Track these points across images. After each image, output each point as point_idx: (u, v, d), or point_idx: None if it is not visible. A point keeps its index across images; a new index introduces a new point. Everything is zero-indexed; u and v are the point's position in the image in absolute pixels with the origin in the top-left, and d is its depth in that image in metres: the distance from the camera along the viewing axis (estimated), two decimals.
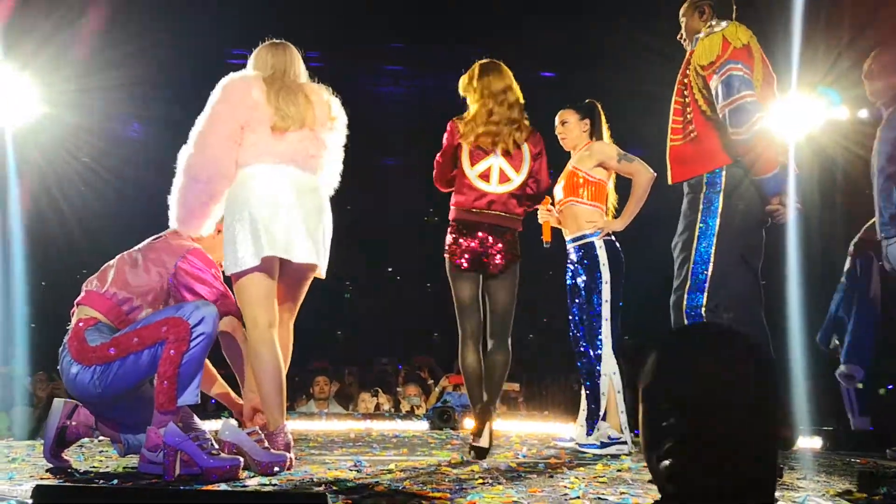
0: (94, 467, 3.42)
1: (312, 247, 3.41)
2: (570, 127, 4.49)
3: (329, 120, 3.60)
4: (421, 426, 5.94)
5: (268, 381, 3.36)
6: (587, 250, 4.31)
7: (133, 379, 3.16)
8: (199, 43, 7.51)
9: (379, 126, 7.52)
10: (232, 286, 3.44)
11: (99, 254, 3.54)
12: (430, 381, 8.27)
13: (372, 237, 9.09)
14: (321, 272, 3.57)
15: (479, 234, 4.03)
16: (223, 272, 3.45)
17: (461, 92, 4.19)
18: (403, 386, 7.99)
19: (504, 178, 4.07)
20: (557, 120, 4.54)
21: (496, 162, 4.06)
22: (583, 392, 4.35)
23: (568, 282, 4.42)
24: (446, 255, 4.09)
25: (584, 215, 4.34)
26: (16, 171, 8.07)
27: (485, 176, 4.04)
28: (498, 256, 4.05)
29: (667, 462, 1.45)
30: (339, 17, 7.53)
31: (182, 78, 7.59)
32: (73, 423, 3.38)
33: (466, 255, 4.02)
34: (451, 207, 4.11)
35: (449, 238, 4.09)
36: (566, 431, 5.13)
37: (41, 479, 3.08)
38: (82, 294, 3.33)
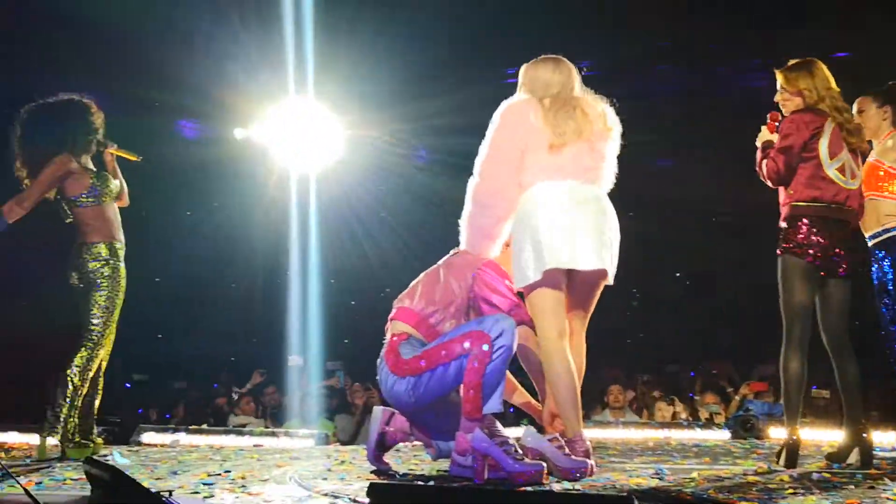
0: (410, 469, 3.71)
1: (598, 253, 3.49)
2: (868, 116, 4.12)
3: (606, 131, 3.65)
4: (722, 435, 5.74)
5: (562, 389, 3.46)
6: (891, 245, 3.95)
7: (442, 388, 3.39)
8: (480, 64, 7.84)
9: (657, 127, 7.39)
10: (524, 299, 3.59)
11: (396, 274, 3.82)
12: (730, 389, 7.95)
13: (657, 241, 8.91)
14: (609, 278, 3.61)
15: (835, 231, 3.85)
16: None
17: (799, 86, 3.95)
18: (700, 394, 7.75)
19: (853, 175, 3.91)
20: (855, 108, 4.18)
21: (847, 157, 3.90)
22: None
23: (874, 280, 4.07)
24: (788, 253, 3.87)
25: (886, 209, 3.98)
26: (317, 204, 8.99)
27: (841, 170, 3.88)
28: (849, 255, 3.88)
29: None
30: (606, 23, 7.52)
31: (463, 102, 7.99)
32: (391, 430, 3.68)
33: (819, 253, 3.83)
34: (799, 203, 3.88)
35: (797, 234, 3.86)
36: (888, 439, 4.71)
37: (367, 479, 3.40)
38: (394, 310, 3.64)
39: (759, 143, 4.05)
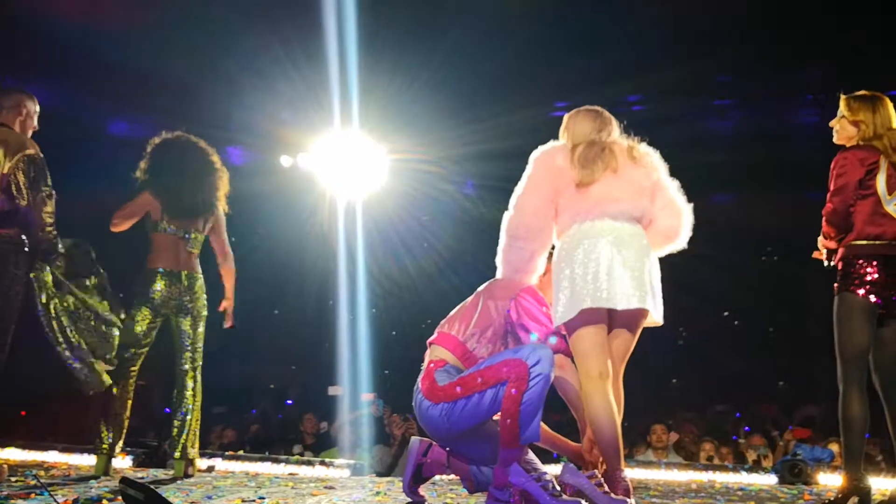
0: (446, 503, 3.64)
1: (637, 292, 3.41)
2: None
3: (632, 160, 3.59)
4: (768, 480, 5.56)
5: (603, 430, 3.37)
6: None
7: (476, 416, 3.33)
8: (524, 93, 7.83)
9: (708, 162, 7.28)
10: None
11: (441, 305, 3.79)
12: (775, 433, 7.74)
13: (705, 279, 8.76)
14: (657, 318, 3.54)
15: (894, 269, 3.73)
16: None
17: (858, 117, 3.84)
18: (747, 437, 7.56)
19: None
20: None
21: None
22: None
23: None
24: (849, 291, 3.75)
25: None
26: (363, 233, 9.01)
27: None
28: None
29: None
30: (661, 55, 7.45)
31: (509, 130, 7.99)
32: (428, 461, 3.62)
33: (883, 292, 3.71)
34: (859, 241, 3.77)
35: (859, 272, 3.75)
36: None
37: None
38: (435, 334, 3.61)
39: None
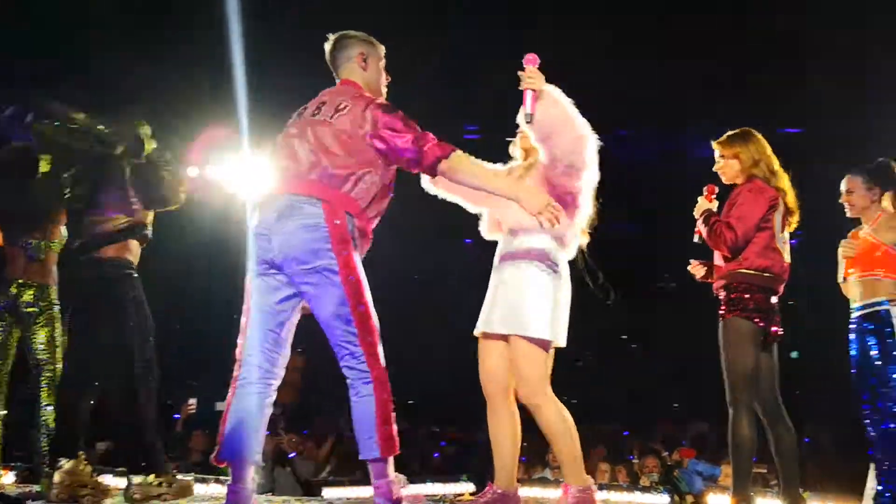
0: None
1: None
2: (857, 196, 4.22)
3: None
4: (661, 500, 5.69)
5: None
6: (878, 319, 4.05)
7: None
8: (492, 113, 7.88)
9: (621, 192, 7.46)
10: None
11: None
12: (665, 453, 7.95)
13: (603, 304, 8.95)
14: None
15: (776, 300, 3.96)
16: None
17: (735, 150, 4.05)
18: (641, 458, 7.73)
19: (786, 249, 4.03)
20: (843, 187, 4.29)
21: (786, 232, 4.03)
22: (871, 470, 4.04)
23: (853, 353, 4.15)
24: (738, 317, 3.90)
25: (885, 288, 4.08)
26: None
27: (785, 242, 4.00)
28: (779, 323, 3.97)
29: None
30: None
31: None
32: None
33: (770, 321, 3.92)
34: (749, 270, 3.93)
35: (748, 298, 3.90)
36: None
37: None
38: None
39: (697, 213, 4.09)
